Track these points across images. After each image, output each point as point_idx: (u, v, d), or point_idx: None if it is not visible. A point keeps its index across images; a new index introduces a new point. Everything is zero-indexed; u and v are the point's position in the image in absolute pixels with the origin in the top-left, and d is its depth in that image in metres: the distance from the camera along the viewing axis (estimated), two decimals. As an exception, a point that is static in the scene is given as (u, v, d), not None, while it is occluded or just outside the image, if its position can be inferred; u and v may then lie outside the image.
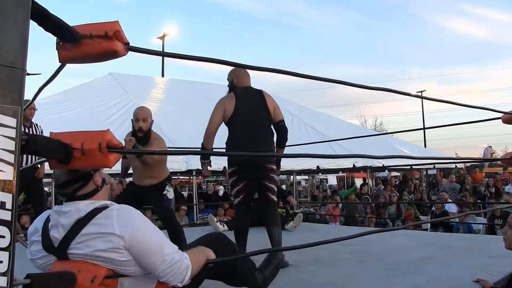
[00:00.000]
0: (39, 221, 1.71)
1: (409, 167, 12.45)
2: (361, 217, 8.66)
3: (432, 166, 12.89)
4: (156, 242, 1.57)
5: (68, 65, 1.47)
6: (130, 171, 3.89)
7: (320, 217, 9.48)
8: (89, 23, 1.37)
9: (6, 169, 1.03)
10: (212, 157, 3.64)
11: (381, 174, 17.64)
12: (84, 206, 1.59)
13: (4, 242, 1.02)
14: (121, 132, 8.01)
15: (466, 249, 3.63)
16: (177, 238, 3.36)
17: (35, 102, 3.44)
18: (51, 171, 2.11)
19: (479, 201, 9.17)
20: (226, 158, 3.62)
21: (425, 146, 23.50)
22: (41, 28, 1.17)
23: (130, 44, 1.43)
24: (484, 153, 24.20)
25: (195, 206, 9.12)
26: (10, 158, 1.03)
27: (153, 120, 3.61)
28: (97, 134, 1.40)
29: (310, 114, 14.46)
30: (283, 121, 3.40)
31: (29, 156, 4.07)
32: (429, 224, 7.40)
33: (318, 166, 10.38)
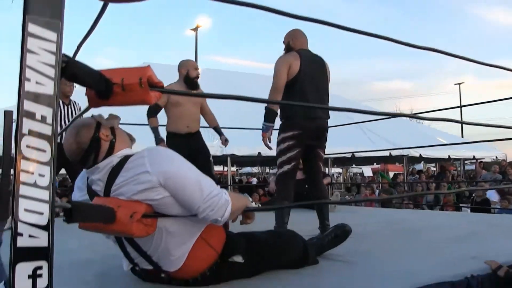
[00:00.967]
0: (80, 180, 1.72)
1: (447, 156, 12.06)
2: (398, 203, 8.45)
3: (471, 156, 12.47)
4: (192, 176, 1.54)
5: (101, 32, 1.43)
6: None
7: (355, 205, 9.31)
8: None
9: (46, 82, 1.00)
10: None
11: (416, 167, 17.24)
12: (112, 158, 1.58)
13: (46, 157, 0.99)
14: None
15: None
16: None
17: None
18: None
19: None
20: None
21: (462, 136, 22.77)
22: None
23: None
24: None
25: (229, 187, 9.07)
26: (51, 72, 1.01)
27: None
28: (138, 70, 1.37)
29: (345, 103, 14.26)
30: (327, 89, 3.17)
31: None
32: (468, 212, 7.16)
33: (353, 154, 10.17)
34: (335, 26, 1.64)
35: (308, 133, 2.98)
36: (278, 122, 3.02)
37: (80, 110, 4.58)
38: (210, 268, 1.71)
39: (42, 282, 0.97)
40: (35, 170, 0.97)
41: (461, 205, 8.07)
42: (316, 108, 3.01)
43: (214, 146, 8.42)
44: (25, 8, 0.96)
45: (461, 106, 4.91)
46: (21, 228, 0.94)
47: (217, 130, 4.55)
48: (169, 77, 3.49)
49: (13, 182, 0.95)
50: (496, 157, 12.79)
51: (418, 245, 2.71)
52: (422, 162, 16.72)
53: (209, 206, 1.52)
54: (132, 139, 1.75)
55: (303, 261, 2.05)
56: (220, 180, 12.73)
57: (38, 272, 0.96)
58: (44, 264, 0.97)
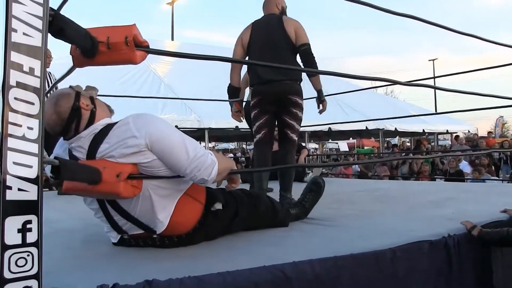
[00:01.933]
0: (60, 148, 1.69)
1: (421, 130, 12.30)
2: (375, 175, 8.63)
3: (445, 130, 12.76)
4: (178, 138, 1.54)
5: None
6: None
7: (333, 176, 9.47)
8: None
9: (34, 34, 0.98)
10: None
11: (391, 141, 17.54)
12: (94, 127, 1.57)
13: (34, 109, 0.98)
14: (131, 91, 8.09)
15: (486, 193, 3.58)
16: None
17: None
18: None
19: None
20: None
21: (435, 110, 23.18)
22: None
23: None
24: (496, 123, 23.85)
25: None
26: (38, 24, 0.99)
27: None
28: (124, 29, 1.35)
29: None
30: (306, 44, 2.93)
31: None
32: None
33: (330, 128, 10.26)
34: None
35: (266, 98, 2.93)
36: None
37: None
38: (199, 220, 1.74)
39: (31, 236, 0.97)
40: (23, 123, 0.96)
41: (435, 176, 8.29)
42: (269, 71, 2.90)
43: (191, 120, 8.40)
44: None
45: (434, 77, 5.01)
46: (10, 181, 0.93)
47: None
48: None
49: (0, 135, 0.93)
50: (469, 131, 13.13)
51: (397, 209, 2.79)
52: (397, 137, 17.03)
53: (196, 166, 1.53)
54: (111, 110, 1.74)
55: (274, 216, 2.11)
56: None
57: (28, 226, 0.96)
58: (33, 218, 0.97)
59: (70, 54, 1.32)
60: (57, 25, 1.07)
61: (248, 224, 2.00)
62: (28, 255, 0.96)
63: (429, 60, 31.74)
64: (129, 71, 9.67)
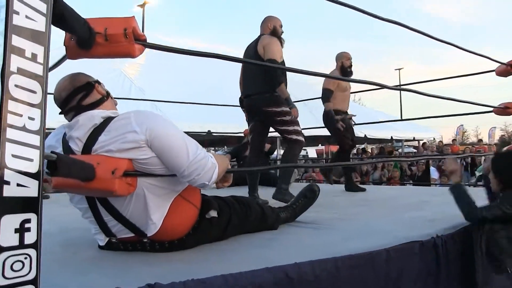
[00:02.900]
0: (53, 138, 1.60)
1: (389, 137, 12.52)
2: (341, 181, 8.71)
3: (412, 137, 13.04)
4: (179, 138, 1.49)
5: None
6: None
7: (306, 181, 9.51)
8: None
9: (38, 18, 0.91)
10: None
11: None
12: (95, 113, 1.50)
13: (36, 98, 0.91)
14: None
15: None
16: None
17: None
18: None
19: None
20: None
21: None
22: None
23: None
24: (456, 131, 24.66)
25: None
26: (42, 7, 0.93)
27: None
28: (123, 20, 1.30)
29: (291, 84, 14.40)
30: (270, 59, 3.17)
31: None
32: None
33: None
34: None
35: (249, 110, 3.43)
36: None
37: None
38: (193, 226, 1.68)
39: (30, 237, 0.89)
40: (24, 113, 0.89)
41: (405, 182, 8.46)
42: (247, 87, 3.37)
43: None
44: None
45: (400, 86, 5.12)
46: (8, 175, 0.86)
47: None
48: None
49: (-1, 125, 0.86)
50: (434, 138, 13.48)
51: (379, 212, 2.81)
52: (365, 144, 17.28)
53: (196, 169, 1.48)
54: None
55: (263, 222, 2.06)
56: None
57: (26, 225, 0.88)
58: (33, 217, 0.89)
59: (64, 44, 1.26)
60: (59, 10, 1.01)
61: (239, 231, 1.94)
62: (25, 258, 0.88)
63: (395, 70, 32.49)
64: (98, 73, 9.42)
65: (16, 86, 0.87)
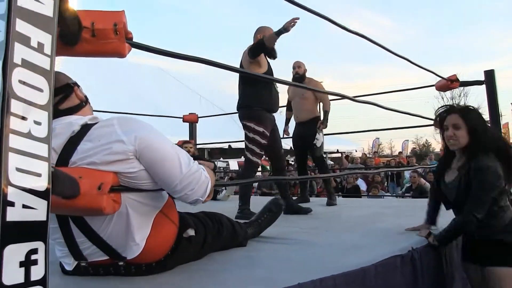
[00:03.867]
0: None
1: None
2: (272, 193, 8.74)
3: (336, 150, 13.51)
4: (171, 148, 1.33)
5: None
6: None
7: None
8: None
9: (45, 1, 0.75)
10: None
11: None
12: (73, 120, 1.30)
13: (43, 98, 0.74)
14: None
15: (406, 208, 3.74)
16: None
17: None
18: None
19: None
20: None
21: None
22: None
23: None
24: (372, 144, 26.04)
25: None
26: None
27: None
28: (112, 14, 1.14)
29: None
30: (252, 44, 3.24)
31: None
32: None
33: (230, 145, 10.21)
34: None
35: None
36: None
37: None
38: (172, 247, 1.51)
39: (37, 272, 0.72)
40: (29, 116, 0.71)
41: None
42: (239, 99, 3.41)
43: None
44: None
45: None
46: (12, 194, 0.68)
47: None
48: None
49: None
50: (356, 150, 14.11)
51: (342, 226, 2.76)
52: (288, 156, 17.62)
53: (189, 183, 1.33)
54: None
55: (234, 239, 1.95)
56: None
57: (33, 257, 0.71)
58: (40, 246, 0.72)
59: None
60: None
61: (213, 249, 1.80)
62: (32, 299, 0.70)
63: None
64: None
65: (20, 81, 0.70)
